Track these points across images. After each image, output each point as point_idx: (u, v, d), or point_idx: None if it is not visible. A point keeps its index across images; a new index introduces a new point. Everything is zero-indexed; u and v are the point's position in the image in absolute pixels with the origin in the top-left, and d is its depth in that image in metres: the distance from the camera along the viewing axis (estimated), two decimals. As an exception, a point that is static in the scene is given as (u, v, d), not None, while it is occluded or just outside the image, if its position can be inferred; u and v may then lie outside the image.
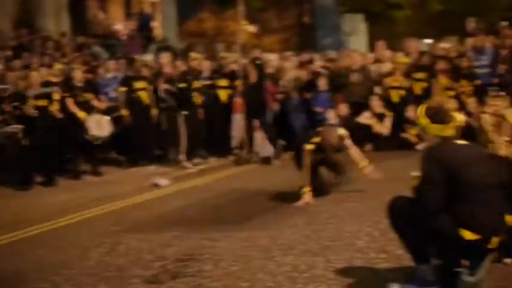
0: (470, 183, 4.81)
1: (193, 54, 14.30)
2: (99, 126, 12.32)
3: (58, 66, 13.06)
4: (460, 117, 5.16)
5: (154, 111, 13.28)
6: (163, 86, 13.58)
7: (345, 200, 9.03)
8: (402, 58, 14.71)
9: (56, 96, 12.01)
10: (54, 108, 11.96)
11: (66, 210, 9.78)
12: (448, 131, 5.06)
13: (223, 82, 14.18)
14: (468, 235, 4.80)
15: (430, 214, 4.85)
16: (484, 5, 26.96)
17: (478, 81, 14.56)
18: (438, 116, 5.07)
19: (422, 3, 21.68)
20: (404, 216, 5.04)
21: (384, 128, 14.17)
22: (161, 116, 13.62)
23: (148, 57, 15.14)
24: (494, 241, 4.79)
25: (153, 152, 13.55)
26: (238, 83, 14.07)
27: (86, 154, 12.69)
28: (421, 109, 5.19)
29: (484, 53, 15.05)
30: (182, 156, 12.74)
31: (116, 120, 13.34)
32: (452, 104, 5.18)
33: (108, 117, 12.46)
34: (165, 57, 14.47)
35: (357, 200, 8.96)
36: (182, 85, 13.14)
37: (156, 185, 11.48)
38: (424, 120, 5.13)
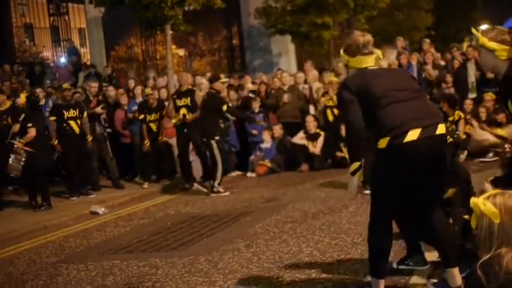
0: (384, 90, 4.94)
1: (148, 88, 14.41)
2: None
3: None
4: (377, 51, 5.32)
5: (89, 139, 13.06)
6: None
7: (285, 221, 9.07)
8: (333, 78, 14.83)
9: None
10: None
11: (1, 242, 9.57)
12: (368, 61, 5.20)
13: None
14: None
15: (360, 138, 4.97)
16: (409, 24, 27.71)
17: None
18: (356, 50, 5.21)
19: (349, 23, 22.02)
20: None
21: (315, 147, 14.22)
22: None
23: (94, 84, 14.92)
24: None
25: (91, 180, 13.39)
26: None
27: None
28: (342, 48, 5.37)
29: (409, 70, 15.38)
30: (217, 184, 12.26)
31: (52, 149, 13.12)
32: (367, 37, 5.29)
33: (12, 157, 11.64)
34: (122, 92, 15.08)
35: (297, 221, 9.00)
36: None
37: (94, 213, 11.34)
38: (345, 56, 5.31)
